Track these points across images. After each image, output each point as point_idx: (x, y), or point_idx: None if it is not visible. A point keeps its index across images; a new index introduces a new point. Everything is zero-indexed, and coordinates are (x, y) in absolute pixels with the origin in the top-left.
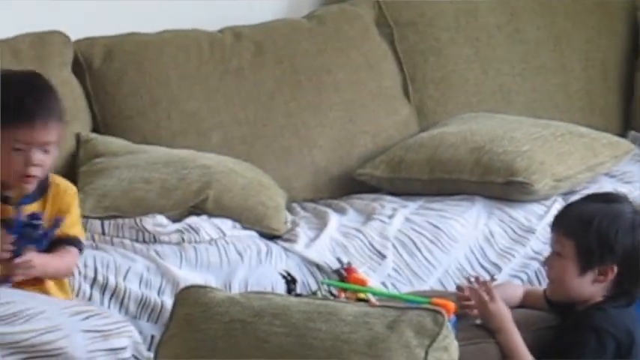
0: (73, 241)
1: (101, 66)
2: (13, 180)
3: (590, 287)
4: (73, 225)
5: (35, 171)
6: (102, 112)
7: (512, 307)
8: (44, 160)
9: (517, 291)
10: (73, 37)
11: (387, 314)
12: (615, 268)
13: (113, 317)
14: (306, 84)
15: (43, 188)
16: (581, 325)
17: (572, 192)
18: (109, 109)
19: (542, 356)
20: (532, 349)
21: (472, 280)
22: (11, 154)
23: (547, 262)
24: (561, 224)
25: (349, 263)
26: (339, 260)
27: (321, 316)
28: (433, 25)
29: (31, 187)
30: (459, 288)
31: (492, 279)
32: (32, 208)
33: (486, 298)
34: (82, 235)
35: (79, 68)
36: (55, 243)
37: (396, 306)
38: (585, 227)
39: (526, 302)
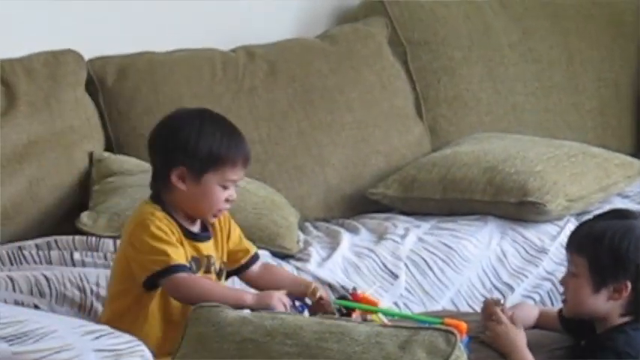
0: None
1: (114, 85)
2: (201, 215)
3: (605, 305)
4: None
5: (228, 206)
6: (115, 130)
7: (527, 328)
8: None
9: (532, 312)
10: (87, 56)
11: (399, 334)
12: (629, 285)
13: (125, 336)
14: (318, 103)
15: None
16: (603, 348)
17: (585, 212)
18: (123, 128)
19: None
20: None
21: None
22: (218, 191)
23: (562, 282)
24: (573, 242)
25: (354, 289)
26: (344, 288)
27: (333, 335)
28: (446, 45)
29: (215, 220)
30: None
31: (498, 303)
32: (209, 246)
33: (498, 320)
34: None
35: (92, 87)
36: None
37: (408, 326)
38: (597, 243)
39: (540, 323)
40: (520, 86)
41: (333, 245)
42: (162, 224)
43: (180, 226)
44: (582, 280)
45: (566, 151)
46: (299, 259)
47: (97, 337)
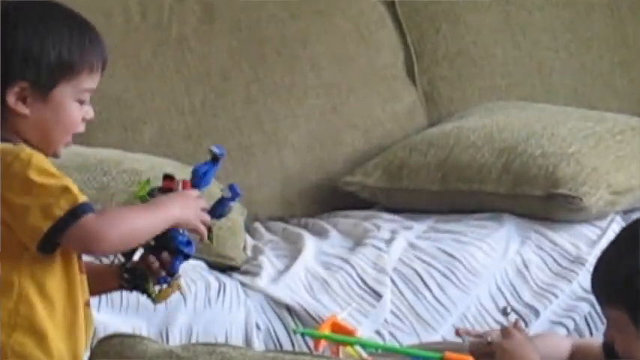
0: None
1: None
2: (52, 146)
3: None
4: None
5: (83, 128)
6: None
7: None
8: None
9: (562, 343)
10: None
11: None
12: None
13: None
14: (273, 60)
15: None
16: None
17: (634, 209)
18: None
19: None
20: None
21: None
22: (75, 108)
23: (607, 336)
24: (601, 294)
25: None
26: None
27: None
28: None
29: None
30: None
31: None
32: None
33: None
34: None
35: None
36: None
37: None
38: (627, 290)
39: (577, 359)
40: (548, 38)
41: (293, 253)
42: (39, 155)
43: None
44: (628, 333)
45: (609, 127)
46: (246, 273)
47: None
